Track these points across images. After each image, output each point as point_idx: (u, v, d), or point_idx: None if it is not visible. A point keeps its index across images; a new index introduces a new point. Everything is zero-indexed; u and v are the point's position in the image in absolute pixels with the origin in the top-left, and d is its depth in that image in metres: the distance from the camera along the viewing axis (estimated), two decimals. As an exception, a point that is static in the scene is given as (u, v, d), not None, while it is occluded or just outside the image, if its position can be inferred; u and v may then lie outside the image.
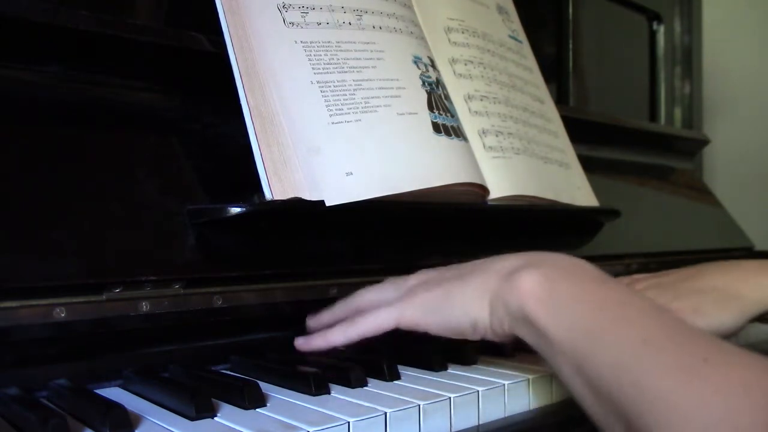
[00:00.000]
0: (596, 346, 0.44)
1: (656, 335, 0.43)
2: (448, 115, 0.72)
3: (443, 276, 0.57)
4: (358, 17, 0.69)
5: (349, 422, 0.44)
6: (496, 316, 0.51)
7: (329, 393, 0.52)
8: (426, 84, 0.71)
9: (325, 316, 0.62)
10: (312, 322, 0.63)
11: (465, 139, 0.74)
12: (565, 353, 0.46)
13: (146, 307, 0.55)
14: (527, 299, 0.49)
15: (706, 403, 0.38)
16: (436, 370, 0.58)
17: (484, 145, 0.78)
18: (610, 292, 0.48)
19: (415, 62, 0.72)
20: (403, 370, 0.57)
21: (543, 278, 0.49)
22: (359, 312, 0.58)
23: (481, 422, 0.51)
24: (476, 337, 0.54)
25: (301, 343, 0.60)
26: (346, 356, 0.65)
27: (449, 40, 0.82)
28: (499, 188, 0.76)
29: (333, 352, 0.66)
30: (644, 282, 0.74)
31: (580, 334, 0.46)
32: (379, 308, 0.57)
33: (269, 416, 0.46)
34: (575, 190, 0.89)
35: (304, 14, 0.66)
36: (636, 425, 0.41)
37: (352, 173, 0.61)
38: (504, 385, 0.54)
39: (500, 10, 0.93)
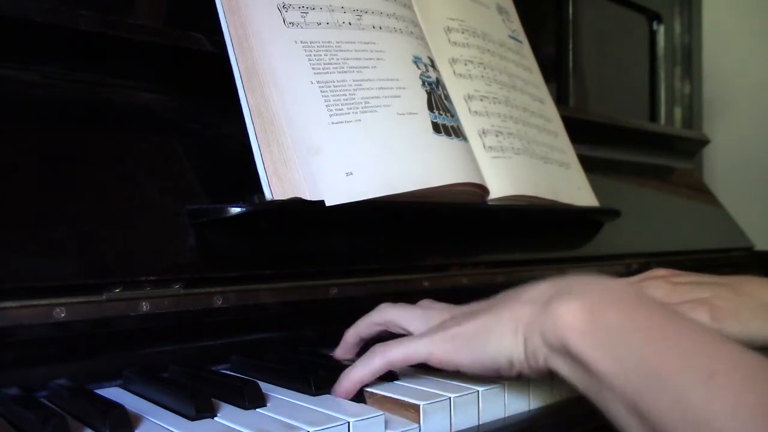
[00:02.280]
0: (654, 380, 0.40)
1: (722, 368, 0.39)
2: (448, 115, 0.72)
3: (472, 310, 0.52)
4: (358, 17, 0.69)
5: (349, 422, 0.44)
6: (531, 349, 0.47)
7: (329, 393, 0.52)
8: (426, 84, 0.71)
9: (350, 334, 0.60)
10: (339, 351, 0.61)
11: (465, 139, 0.74)
12: (615, 390, 0.42)
13: (146, 307, 0.55)
14: (568, 331, 0.44)
15: None
16: (436, 370, 0.58)
17: (484, 145, 0.78)
18: (663, 319, 0.43)
19: (415, 62, 0.72)
20: (402, 370, 0.57)
21: (583, 307, 0.44)
22: (381, 345, 0.54)
23: (481, 422, 0.51)
24: (513, 374, 0.49)
25: (337, 392, 0.53)
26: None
27: (449, 40, 0.82)
28: (499, 188, 0.76)
29: (333, 352, 0.66)
30: (680, 277, 0.71)
31: (634, 368, 0.41)
32: (407, 341, 0.53)
33: (269, 416, 0.46)
34: (575, 190, 0.89)
35: (304, 14, 0.66)
36: None
37: (352, 173, 0.61)
38: (504, 385, 0.54)
39: (500, 10, 0.93)
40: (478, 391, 0.52)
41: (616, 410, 0.42)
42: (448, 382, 0.54)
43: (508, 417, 0.53)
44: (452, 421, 0.49)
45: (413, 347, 0.52)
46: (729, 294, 0.63)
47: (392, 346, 0.53)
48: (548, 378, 0.48)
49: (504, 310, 0.49)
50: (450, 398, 0.50)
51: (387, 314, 0.59)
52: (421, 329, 0.55)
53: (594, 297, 0.45)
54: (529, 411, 0.55)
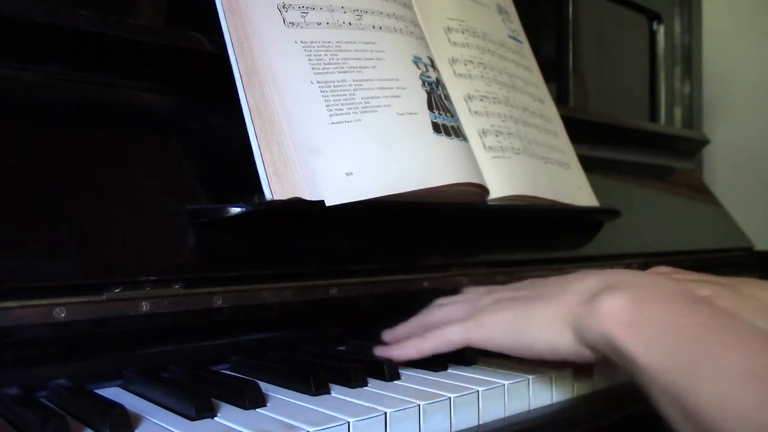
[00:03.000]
0: (696, 376, 0.40)
1: (763, 364, 0.39)
2: (448, 115, 0.72)
3: (518, 294, 0.55)
4: (358, 17, 0.69)
5: (349, 422, 0.44)
6: (583, 343, 0.48)
7: (329, 393, 0.52)
8: (426, 84, 0.71)
9: (400, 329, 0.61)
10: (387, 336, 0.61)
11: (465, 139, 0.74)
12: (659, 383, 0.42)
13: (146, 307, 0.55)
14: (612, 326, 0.45)
15: None
16: (436, 370, 0.58)
17: (484, 145, 0.78)
18: (706, 315, 0.44)
19: (415, 62, 0.72)
20: (403, 370, 0.57)
21: (628, 302, 0.45)
22: (432, 326, 0.57)
23: (481, 422, 0.51)
24: (557, 359, 0.51)
25: (380, 352, 0.58)
26: (346, 356, 0.65)
27: (449, 40, 0.82)
28: (499, 188, 0.76)
29: (333, 352, 0.66)
30: (682, 275, 0.71)
31: (676, 362, 0.42)
32: (451, 324, 0.55)
33: (269, 416, 0.46)
34: (575, 190, 0.89)
35: (304, 14, 0.66)
36: None
37: (352, 173, 0.61)
38: (504, 385, 0.54)
39: (500, 10, 0.93)
40: (478, 391, 0.52)
41: (660, 402, 0.43)
42: (449, 382, 0.54)
43: (508, 417, 0.53)
44: (452, 421, 0.49)
45: (455, 331, 0.55)
46: (731, 294, 0.63)
47: (438, 330, 0.55)
48: (600, 363, 0.49)
49: (550, 301, 0.51)
50: (450, 398, 0.50)
51: (435, 314, 0.59)
52: (465, 315, 0.56)
53: (640, 292, 0.46)
54: (529, 411, 0.55)
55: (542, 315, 0.51)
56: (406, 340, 0.57)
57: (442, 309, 0.59)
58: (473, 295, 0.59)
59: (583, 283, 0.51)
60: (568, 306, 0.50)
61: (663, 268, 0.72)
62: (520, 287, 0.57)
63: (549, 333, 0.50)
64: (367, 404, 0.48)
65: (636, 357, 0.44)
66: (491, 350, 0.54)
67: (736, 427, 0.38)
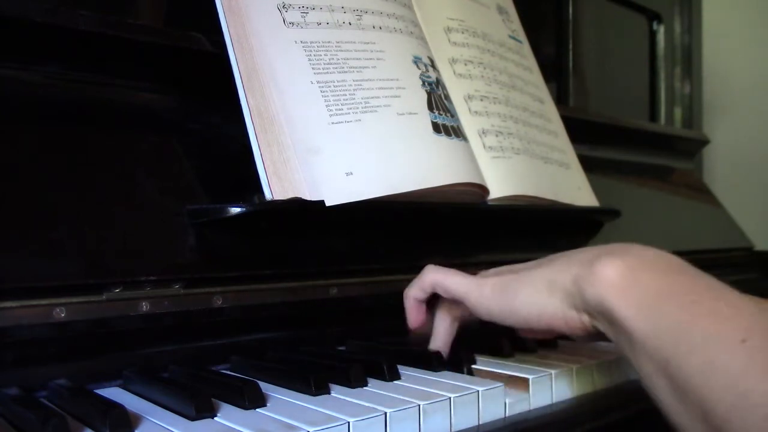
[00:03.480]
0: (685, 343, 0.40)
1: (756, 333, 0.39)
2: (448, 115, 0.72)
3: (516, 267, 0.56)
4: (358, 17, 0.69)
5: (349, 422, 0.44)
6: (572, 304, 0.48)
7: (329, 393, 0.52)
8: (426, 84, 0.71)
9: (408, 299, 0.62)
10: (410, 320, 0.62)
11: (465, 139, 0.74)
12: (647, 350, 0.42)
13: (146, 307, 0.55)
14: (606, 289, 0.45)
15: None
16: (436, 370, 0.58)
17: (484, 145, 0.78)
18: (702, 285, 0.44)
19: (415, 62, 0.72)
20: (403, 370, 0.57)
21: (625, 267, 0.45)
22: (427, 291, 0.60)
23: (481, 422, 0.51)
24: (541, 325, 0.51)
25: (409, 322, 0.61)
26: (346, 356, 0.65)
27: (449, 40, 0.82)
28: (499, 188, 0.76)
29: (333, 352, 0.66)
30: None
31: (667, 329, 0.42)
32: (454, 274, 0.57)
33: (269, 416, 0.46)
34: (575, 190, 0.89)
35: (304, 14, 0.66)
36: None
37: (352, 173, 0.61)
38: (504, 385, 0.54)
39: (500, 10, 0.93)
40: (478, 391, 0.52)
41: (646, 370, 0.43)
42: (449, 382, 0.54)
43: (508, 417, 0.53)
44: (452, 421, 0.49)
45: (457, 280, 0.56)
46: None
47: (441, 271, 0.58)
48: (582, 335, 0.50)
49: (546, 266, 0.52)
50: (450, 398, 0.50)
51: (430, 277, 0.60)
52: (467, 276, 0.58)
53: (636, 259, 0.46)
54: (530, 411, 0.55)
55: (533, 279, 0.51)
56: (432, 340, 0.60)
57: (438, 282, 0.60)
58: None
59: (580, 252, 0.51)
60: (563, 270, 0.50)
61: None
62: (523, 264, 0.57)
63: (537, 296, 0.51)
64: (367, 404, 0.48)
65: (628, 321, 0.44)
66: (481, 316, 0.55)
67: (722, 394, 0.38)
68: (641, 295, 0.44)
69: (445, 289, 0.58)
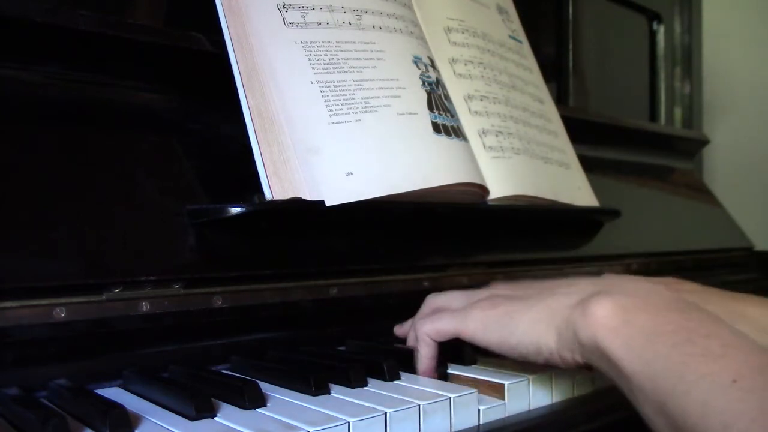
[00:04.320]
0: (680, 384, 0.41)
1: (748, 373, 0.39)
2: (448, 115, 0.72)
3: (512, 294, 0.56)
4: (358, 17, 0.69)
5: (349, 422, 0.44)
6: (566, 345, 0.49)
7: (329, 393, 0.52)
8: (426, 84, 0.71)
9: (408, 324, 0.63)
10: (398, 330, 0.64)
11: (465, 139, 0.74)
12: (644, 390, 0.43)
13: (146, 307, 0.55)
14: (600, 330, 0.45)
15: None
16: (436, 370, 0.58)
17: (484, 145, 0.78)
18: (692, 323, 0.44)
19: (415, 62, 0.72)
20: (403, 370, 0.57)
21: (617, 307, 0.46)
22: (430, 311, 0.60)
23: (481, 422, 0.51)
24: (540, 360, 0.51)
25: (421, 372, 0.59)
26: (346, 356, 0.65)
27: (449, 40, 0.82)
28: (499, 188, 0.76)
29: (333, 353, 0.66)
30: (682, 285, 0.72)
31: (661, 370, 0.42)
32: (444, 313, 0.57)
33: (269, 416, 0.46)
34: (575, 190, 0.89)
35: (304, 14, 0.66)
36: None
37: (352, 173, 0.61)
38: (504, 385, 0.54)
39: (500, 10, 0.93)
40: (477, 391, 0.52)
41: (645, 409, 0.43)
42: (449, 382, 0.54)
43: (508, 417, 0.53)
44: (452, 421, 0.49)
45: (446, 321, 0.56)
46: (722, 314, 0.63)
47: (427, 320, 0.57)
48: (578, 370, 0.50)
49: (540, 302, 0.52)
50: (450, 398, 0.50)
51: (431, 303, 0.61)
52: (460, 306, 0.58)
53: (629, 299, 0.46)
54: (529, 411, 0.55)
55: (529, 316, 0.52)
56: (417, 349, 0.59)
57: (439, 297, 0.61)
58: (471, 291, 0.60)
59: (574, 287, 0.51)
60: (556, 308, 0.50)
61: (667, 279, 0.73)
62: (517, 287, 0.57)
63: (533, 333, 0.51)
64: (367, 404, 0.48)
65: (622, 362, 0.44)
66: (478, 345, 0.55)
67: None
68: (633, 336, 0.44)
69: (440, 337, 0.58)
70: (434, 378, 0.57)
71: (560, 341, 0.49)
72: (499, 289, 0.58)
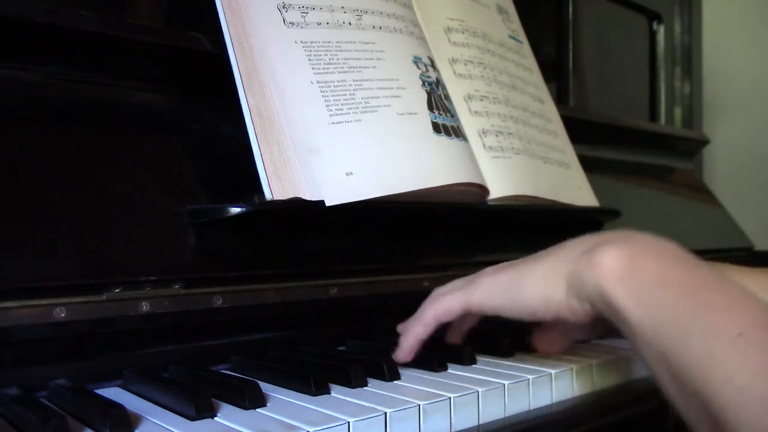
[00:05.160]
0: (684, 335, 0.40)
1: (753, 328, 0.39)
2: (448, 115, 0.72)
3: (515, 262, 0.55)
4: (358, 17, 0.69)
5: (349, 422, 0.44)
6: (575, 294, 0.49)
7: (329, 393, 0.52)
8: (426, 84, 0.71)
9: (411, 320, 0.61)
10: (401, 327, 0.62)
11: (465, 139, 0.74)
12: (647, 340, 0.42)
13: (146, 307, 0.55)
14: (606, 278, 0.45)
15: None
16: (436, 370, 0.58)
17: (484, 145, 0.78)
18: (700, 276, 0.44)
19: (415, 62, 0.72)
20: (403, 370, 0.57)
21: (625, 256, 0.45)
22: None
23: (481, 422, 0.51)
24: (549, 315, 0.51)
25: (397, 355, 0.59)
26: (346, 356, 0.65)
27: (449, 40, 0.82)
28: (499, 188, 0.76)
29: (333, 353, 0.66)
30: None
31: (666, 320, 0.41)
32: (445, 295, 0.57)
33: (269, 416, 0.46)
34: (575, 190, 0.89)
35: (304, 14, 0.66)
36: (726, 425, 0.37)
37: (352, 173, 0.61)
38: (504, 385, 0.54)
39: (500, 10, 0.93)
40: (478, 391, 0.52)
41: (647, 357, 0.43)
42: (448, 382, 0.54)
43: (508, 417, 0.53)
44: (452, 421, 0.49)
45: (451, 298, 0.56)
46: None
47: (434, 303, 0.56)
48: (588, 321, 0.50)
49: (546, 258, 0.52)
50: (450, 398, 0.50)
51: (434, 293, 0.60)
52: (463, 284, 0.57)
53: (637, 248, 0.46)
54: (529, 411, 0.55)
55: (537, 271, 0.52)
56: (409, 328, 0.58)
57: (444, 287, 0.60)
58: (473, 274, 0.60)
59: (581, 241, 0.51)
60: (564, 259, 0.50)
61: None
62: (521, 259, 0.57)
63: (542, 286, 0.51)
64: (367, 404, 0.48)
65: (626, 310, 0.44)
66: (488, 313, 0.55)
67: (718, 388, 0.38)
68: (640, 285, 0.44)
69: (448, 315, 0.57)
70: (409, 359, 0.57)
71: (569, 291, 0.49)
72: (501, 264, 0.58)
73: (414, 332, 0.57)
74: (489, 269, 0.57)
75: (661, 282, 0.44)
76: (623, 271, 0.45)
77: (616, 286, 0.45)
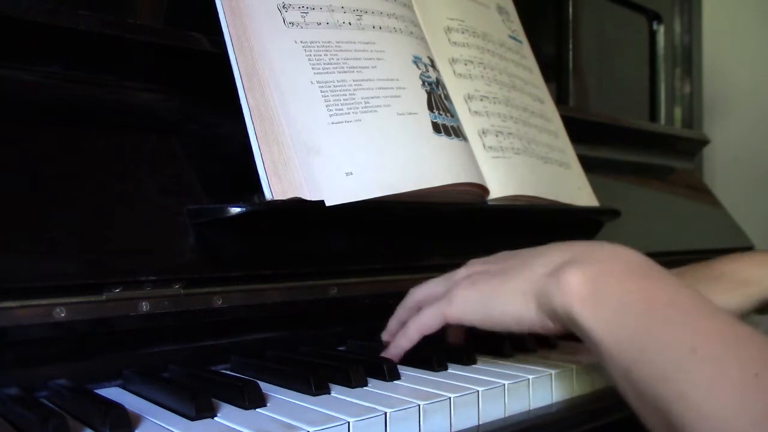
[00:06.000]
0: (641, 353, 0.42)
1: (706, 342, 0.40)
2: (448, 115, 0.72)
3: (488, 270, 0.56)
4: (358, 17, 0.69)
5: (349, 422, 0.44)
6: (546, 314, 0.50)
7: (329, 393, 0.52)
8: (426, 84, 0.71)
9: (392, 323, 0.63)
10: (385, 335, 0.64)
11: (465, 139, 0.74)
12: (612, 358, 0.44)
13: (146, 307, 0.55)
14: (571, 299, 0.47)
15: (757, 425, 0.36)
16: (436, 370, 0.58)
17: (484, 145, 0.78)
18: (657, 291, 0.45)
19: (415, 62, 0.72)
20: (403, 370, 0.57)
21: (586, 278, 0.47)
22: (414, 307, 0.60)
23: (481, 422, 0.51)
24: (524, 330, 0.53)
25: (383, 355, 0.60)
26: (346, 356, 0.65)
27: (449, 40, 0.82)
28: (499, 188, 0.76)
29: (333, 353, 0.66)
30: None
31: (626, 338, 0.43)
32: (428, 306, 0.58)
33: (269, 416, 0.46)
34: (575, 190, 0.89)
35: (304, 14, 0.66)
36: None
37: (352, 173, 0.61)
38: (504, 385, 0.54)
39: (500, 10, 0.93)
40: (478, 391, 0.52)
41: (612, 373, 0.44)
42: (448, 382, 0.54)
43: (508, 417, 0.53)
44: (452, 421, 0.49)
45: (430, 314, 0.57)
46: (700, 280, 0.67)
47: (417, 316, 0.58)
48: (561, 334, 0.51)
49: (517, 274, 0.53)
50: (450, 398, 0.50)
51: (413, 296, 0.62)
52: (440, 294, 0.58)
53: (599, 267, 0.48)
54: (529, 411, 0.55)
55: (508, 289, 0.53)
56: (396, 336, 0.60)
57: (418, 290, 0.62)
58: (451, 273, 0.60)
59: (548, 256, 0.52)
60: (533, 279, 0.51)
61: None
62: (493, 261, 0.58)
63: (514, 305, 0.52)
64: (367, 404, 0.48)
65: (591, 330, 0.45)
66: (465, 325, 0.56)
67: (676, 405, 0.39)
68: (602, 306, 0.46)
69: (431, 329, 0.58)
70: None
71: (540, 309, 0.51)
72: (474, 265, 0.59)
73: (400, 346, 0.59)
74: (465, 275, 0.58)
75: (621, 301, 0.45)
76: (587, 291, 0.47)
77: (582, 308, 0.46)
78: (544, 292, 0.50)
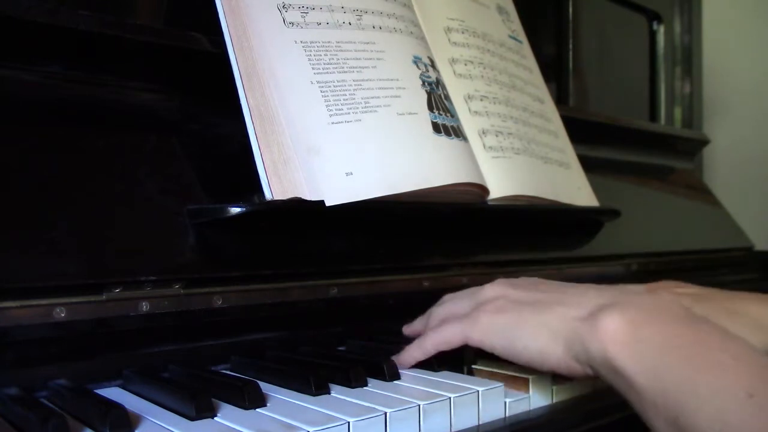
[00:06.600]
0: (692, 398, 0.40)
1: (762, 387, 0.39)
2: (448, 115, 0.72)
3: (518, 297, 0.55)
4: (358, 17, 0.69)
5: (349, 422, 0.44)
6: (575, 357, 0.49)
7: (329, 393, 0.52)
8: (426, 84, 0.72)
9: (417, 323, 0.63)
10: (407, 330, 0.64)
11: (465, 139, 0.74)
12: (656, 405, 0.42)
13: (146, 307, 0.55)
14: (610, 345, 0.45)
15: None
16: (436, 370, 0.58)
17: (484, 145, 0.78)
18: (702, 335, 0.44)
19: (415, 62, 0.72)
20: (403, 370, 0.57)
21: (627, 322, 0.45)
22: (438, 322, 0.59)
23: (481, 422, 0.51)
24: (545, 368, 0.51)
25: (394, 358, 0.59)
26: (346, 356, 0.65)
27: (449, 40, 0.82)
28: (499, 188, 0.76)
29: (333, 353, 0.66)
30: (683, 288, 0.72)
31: (673, 384, 0.42)
32: (450, 323, 0.56)
33: (269, 416, 0.46)
34: (575, 190, 0.89)
35: (304, 14, 0.66)
36: None
37: (352, 173, 0.61)
38: (504, 385, 0.54)
39: (500, 10, 0.93)
40: (478, 391, 0.52)
41: (656, 423, 0.43)
42: (449, 382, 0.54)
43: (508, 417, 0.53)
44: (452, 421, 0.49)
45: (452, 330, 0.56)
46: (722, 312, 0.63)
47: (438, 329, 0.57)
48: (585, 378, 0.50)
49: (548, 310, 0.51)
50: (450, 398, 0.50)
51: (441, 308, 0.61)
52: (466, 312, 0.57)
53: (639, 311, 0.46)
54: (529, 411, 0.55)
55: (536, 323, 0.51)
56: (412, 348, 0.59)
57: (447, 303, 0.60)
58: (477, 289, 0.59)
59: (583, 297, 0.51)
60: (566, 319, 0.50)
61: (666, 283, 0.73)
62: (522, 287, 0.56)
63: (541, 342, 0.51)
64: (367, 404, 0.48)
65: (634, 377, 0.44)
66: (486, 350, 0.55)
67: None
68: (645, 351, 0.44)
69: (448, 346, 0.57)
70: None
71: (568, 352, 0.49)
72: (504, 288, 0.57)
73: (413, 355, 0.58)
74: (493, 296, 0.56)
75: (664, 346, 0.44)
76: (627, 337, 0.45)
77: (621, 353, 0.45)
78: (577, 335, 0.48)
